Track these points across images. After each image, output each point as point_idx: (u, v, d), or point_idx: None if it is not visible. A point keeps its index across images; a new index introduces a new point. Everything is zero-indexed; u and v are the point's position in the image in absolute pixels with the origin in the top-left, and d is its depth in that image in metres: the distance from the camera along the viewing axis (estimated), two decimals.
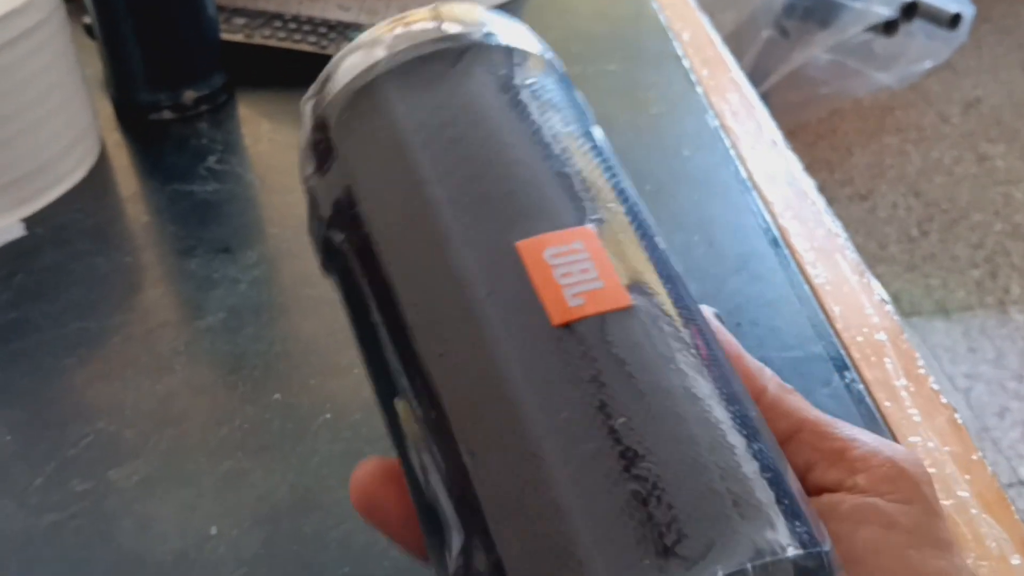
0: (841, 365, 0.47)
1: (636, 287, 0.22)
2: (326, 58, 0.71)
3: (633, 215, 0.25)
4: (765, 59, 1.61)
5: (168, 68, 0.68)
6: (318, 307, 0.52)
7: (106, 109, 0.70)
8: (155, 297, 0.54)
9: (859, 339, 0.48)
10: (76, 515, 0.42)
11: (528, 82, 0.26)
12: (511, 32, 0.28)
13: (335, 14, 0.79)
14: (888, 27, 1.56)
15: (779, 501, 0.20)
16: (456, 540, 0.21)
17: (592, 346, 0.21)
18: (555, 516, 0.19)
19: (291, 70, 0.73)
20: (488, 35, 0.27)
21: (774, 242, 0.55)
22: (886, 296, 0.51)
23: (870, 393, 0.45)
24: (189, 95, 0.68)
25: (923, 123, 2.11)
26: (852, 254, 0.54)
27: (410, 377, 0.23)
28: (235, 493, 0.42)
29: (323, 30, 0.74)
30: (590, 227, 0.23)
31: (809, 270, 0.53)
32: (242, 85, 0.72)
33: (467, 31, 0.27)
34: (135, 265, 0.56)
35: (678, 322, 0.23)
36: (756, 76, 0.64)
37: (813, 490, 0.25)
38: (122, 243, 0.58)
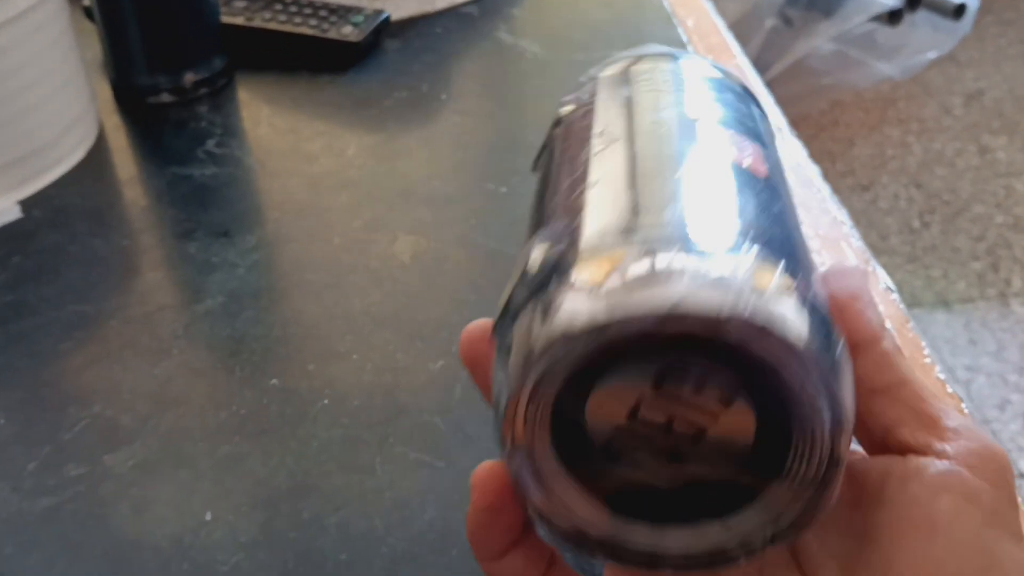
0: None
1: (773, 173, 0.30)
2: (327, 41, 0.71)
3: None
4: (768, 49, 1.60)
5: (168, 51, 0.68)
6: (318, 292, 0.52)
7: (105, 92, 0.69)
8: (154, 280, 0.53)
9: None
10: (71, 499, 0.41)
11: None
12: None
13: None
14: (892, 17, 1.55)
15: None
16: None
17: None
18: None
19: (291, 54, 0.72)
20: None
21: None
22: (892, 285, 0.51)
23: None
24: (189, 78, 0.68)
25: (925, 115, 2.11)
26: (857, 242, 0.53)
27: None
28: (233, 478, 0.42)
29: (324, 13, 0.73)
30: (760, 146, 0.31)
31: (814, 258, 0.52)
32: (242, 68, 0.71)
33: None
34: (133, 248, 0.56)
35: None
36: (759, 66, 0.64)
37: (899, 448, 0.25)
38: (120, 226, 0.57)
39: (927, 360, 0.46)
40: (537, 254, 0.25)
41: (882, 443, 0.26)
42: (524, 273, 0.25)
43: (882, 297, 0.50)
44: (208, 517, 0.40)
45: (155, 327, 0.50)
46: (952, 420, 0.25)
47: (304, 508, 0.41)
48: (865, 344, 0.26)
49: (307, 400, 0.46)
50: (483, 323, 0.28)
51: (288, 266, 0.54)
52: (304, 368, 0.47)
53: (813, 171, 0.59)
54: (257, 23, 0.72)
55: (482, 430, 0.43)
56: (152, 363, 0.48)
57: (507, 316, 0.25)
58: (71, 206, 0.59)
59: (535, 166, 0.35)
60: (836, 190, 0.59)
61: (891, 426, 0.25)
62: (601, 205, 0.26)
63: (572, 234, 0.25)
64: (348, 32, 0.71)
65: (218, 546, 0.39)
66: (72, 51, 0.63)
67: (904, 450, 0.25)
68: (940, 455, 0.24)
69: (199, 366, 0.48)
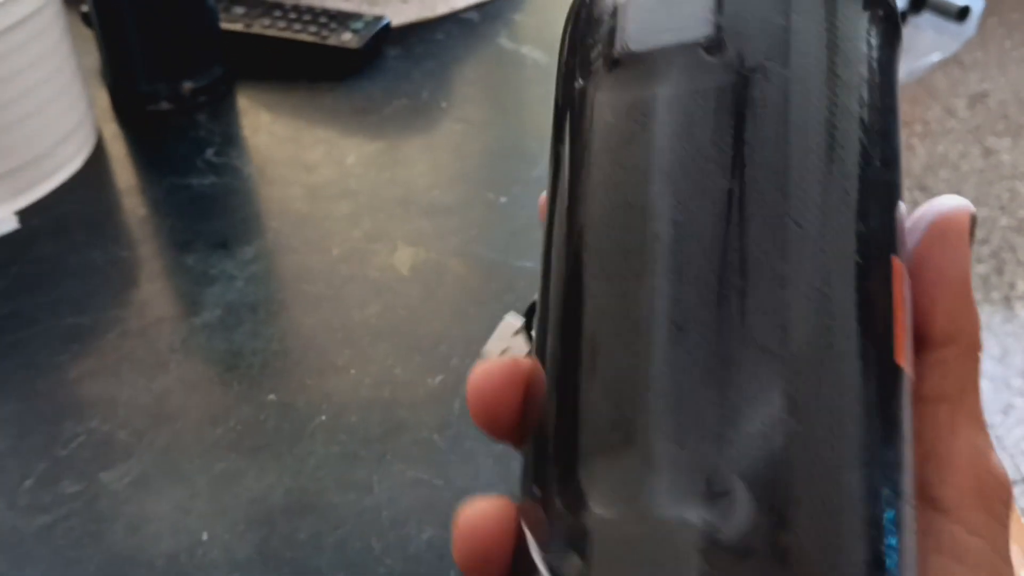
0: None
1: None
2: (327, 48, 0.70)
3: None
4: None
5: (166, 58, 0.67)
6: (316, 303, 0.52)
7: (103, 99, 0.69)
8: (152, 292, 0.53)
9: None
10: (67, 516, 0.41)
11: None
12: None
13: (335, 3, 0.78)
14: None
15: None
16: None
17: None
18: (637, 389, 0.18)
19: (291, 61, 0.72)
20: None
21: None
22: None
23: None
24: (187, 86, 0.67)
25: (929, 117, 2.10)
26: None
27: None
28: (229, 495, 0.42)
29: (323, 20, 0.73)
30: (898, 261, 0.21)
31: None
32: (241, 76, 0.71)
33: None
34: (132, 259, 0.55)
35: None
36: None
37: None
38: (119, 236, 0.57)
39: None
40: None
41: (940, 496, 0.23)
42: None
43: None
44: (204, 536, 0.40)
45: (152, 340, 0.49)
46: (958, 453, 0.22)
47: (301, 527, 0.40)
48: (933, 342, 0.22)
49: (304, 416, 0.45)
50: (492, 367, 0.23)
51: (287, 277, 0.54)
52: (302, 382, 0.47)
53: None
54: (256, 30, 0.72)
55: (480, 447, 0.43)
56: (149, 377, 0.47)
57: None
58: (69, 216, 0.59)
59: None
60: None
61: (948, 468, 0.22)
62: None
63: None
64: (348, 39, 0.71)
65: (214, 565, 0.39)
66: (70, 58, 0.62)
67: (952, 516, 0.23)
68: (938, 505, 0.21)
69: (196, 380, 0.47)
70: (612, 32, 0.22)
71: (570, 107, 0.23)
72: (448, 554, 0.39)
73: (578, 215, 0.21)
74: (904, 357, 0.20)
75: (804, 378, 0.18)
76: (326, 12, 0.73)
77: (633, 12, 0.22)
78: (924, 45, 1.65)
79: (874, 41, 0.22)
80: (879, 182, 0.20)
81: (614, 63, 0.22)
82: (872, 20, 0.22)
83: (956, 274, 0.22)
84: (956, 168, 1.97)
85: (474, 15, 0.79)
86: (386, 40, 0.74)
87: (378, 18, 0.73)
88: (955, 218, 0.22)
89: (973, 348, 0.22)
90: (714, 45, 0.20)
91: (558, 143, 0.23)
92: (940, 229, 0.22)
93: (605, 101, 0.21)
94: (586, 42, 0.23)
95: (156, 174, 0.62)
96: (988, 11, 1.92)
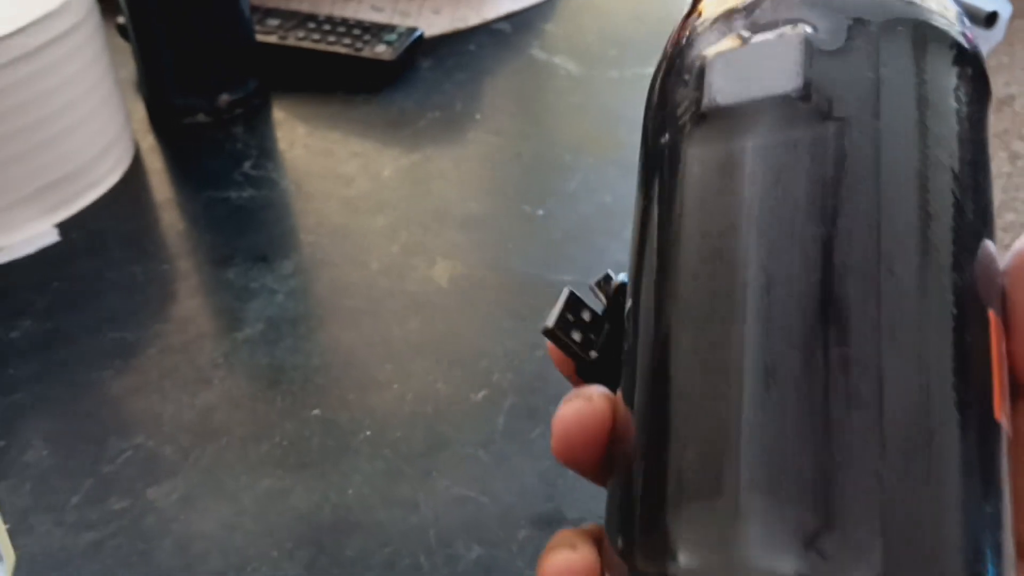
0: None
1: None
2: (361, 60, 0.70)
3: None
4: None
5: (202, 70, 0.68)
6: (356, 318, 0.52)
7: (139, 111, 0.69)
8: (192, 307, 0.53)
9: None
10: (115, 534, 0.41)
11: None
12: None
13: (368, 15, 0.78)
14: None
15: None
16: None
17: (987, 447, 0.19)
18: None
19: (325, 73, 0.72)
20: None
21: None
22: None
23: None
24: (224, 99, 0.68)
25: None
26: None
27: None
28: (275, 513, 0.42)
29: (357, 32, 0.73)
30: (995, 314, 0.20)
31: None
32: (276, 88, 0.71)
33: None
34: (171, 273, 0.55)
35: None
36: None
37: None
38: (158, 251, 0.57)
39: None
40: None
41: None
42: None
43: None
44: (252, 554, 0.40)
45: (194, 356, 0.50)
46: None
47: (348, 545, 0.40)
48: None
49: (348, 431, 0.45)
50: (582, 410, 0.22)
51: (326, 292, 0.54)
52: (344, 398, 0.47)
53: None
54: (291, 42, 0.72)
55: (525, 463, 0.43)
56: (192, 393, 0.48)
57: None
58: (108, 230, 0.59)
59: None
60: None
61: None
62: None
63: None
64: (382, 51, 0.71)
65: None
66: (108, 72, 0.63)
67: None
68: None
69: (239, 396, 0.47)
70: (700, 86, 0.22)
71: (659, 160, 0.22)
72: (495, 571, 0.39)
73: (668, 266, 0.21)
74: (1003, 411, 0.19)
75: (901, 434, 0.17)
76: (360, 24, 0.73)
77: (721, 66, 0.22)
78: None
79: (963, 96, 0.21)
80: (972, 234, 0.20)
81: (703, 116, 0.21)
82: (961, 76, 0.21)
83: None
84: None
85: (505, 26, 0.80)
86: (419, 52, 0.75)
87: (411, 30, 0.73)
88: None
89: None
90: (804, 97, 0.20)
91: (646, 196, 0.23)
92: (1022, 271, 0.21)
93: (694, 154, 0.21)
94: (674, 96, 0.23)
95: (194, 187, 0.62)
96: (1016, 14, 1.90)
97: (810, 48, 0.21)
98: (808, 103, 0.20)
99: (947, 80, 0.21)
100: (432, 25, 0.78)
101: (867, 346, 0.18)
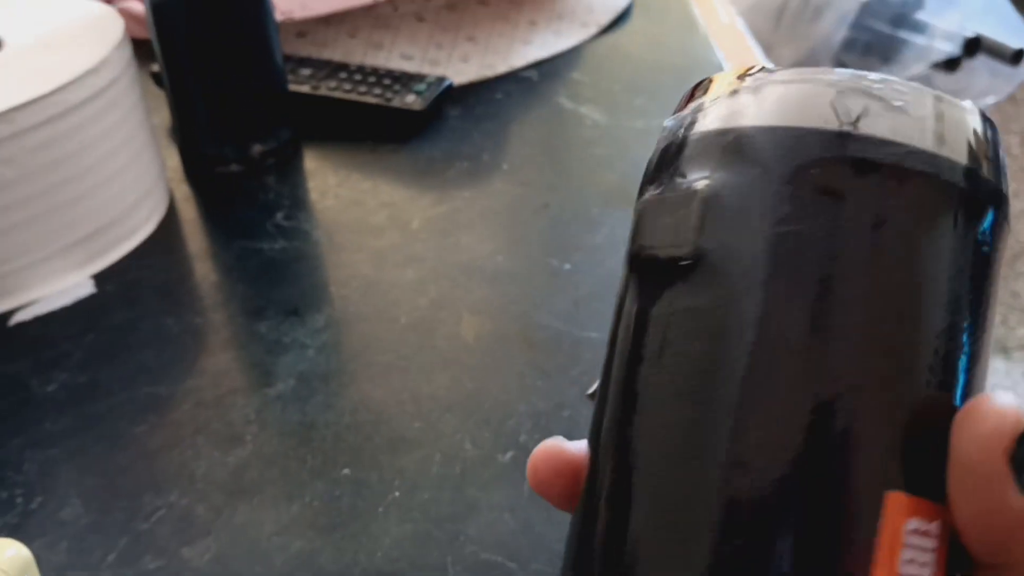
0: None
1: None
2: (391, 110, 0.72)
3: None
4: None
5: (235, 120, 0.69)
6: (386, 374, 0.52)
7: (173, 159, 0.71)
8: (225, 361, 0.54)
9: None
10: None
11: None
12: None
13: (398, 63, 0.79)
14: (950, 64, 1.54)
15: None
16: None
17: None
18: None
19: (355, 122, 0.73)
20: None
21: None
22: None
23: None
24: (257, 148, 0.69)
25: None
26: None
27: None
28: (307, 575, 0.42)
29: (387, 81, 0.74)
30: (942, 508, 0.19)
31: None
32: (308, 138, 0.72)
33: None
34: (205, 327, 0.56)
35: None
36: None
37: None
38: (192, 303, 0.58)
39: None
40: None
41: None
42: None
43: None
44: None
45: (227, 411, 0.51)
46: None
47: None
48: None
49: (377, 492, 0.46)
50: (551, 452, 0.25)
51: (356, 347, 0.55)
52: (375, 457, 0.48)
53: None
54: (323, 92, 0.73)
55: (551, 530, 0.44)
56: (225, 450, 0.48)
57: None
58: (143, 281, 0.60)
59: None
60: None
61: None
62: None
63: None
64: (411, 101, 0.72)
65: None
66: (144, 123, 0.64)
67: None
68: None
69: (271, 454, 0.48)
70: (633, 233, 0.23)
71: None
72: None
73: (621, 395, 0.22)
74: None
75: None
76: (391, 74, 0.75)
77: (643, 216, 0.23)
78: (978, 88, 1.64)
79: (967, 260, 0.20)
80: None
81: (630, 262, 0.23)
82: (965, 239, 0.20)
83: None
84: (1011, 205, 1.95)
85: (533, 74, 0.81)
86: (447, 100, 0.76)
87: (440, 79, 0.74)
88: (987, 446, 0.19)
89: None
90: (692, 261, 0.21)
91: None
92: (967, 460, 0.19)
93: (626, 299, 0.23)
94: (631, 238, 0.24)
95: (227, 238, 0.63)
96: None
97: (707, 207, 0.21)
98: (694, 269, 0.20)
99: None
100: (460, 73, 0.79)
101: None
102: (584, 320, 0.55)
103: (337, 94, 0.73)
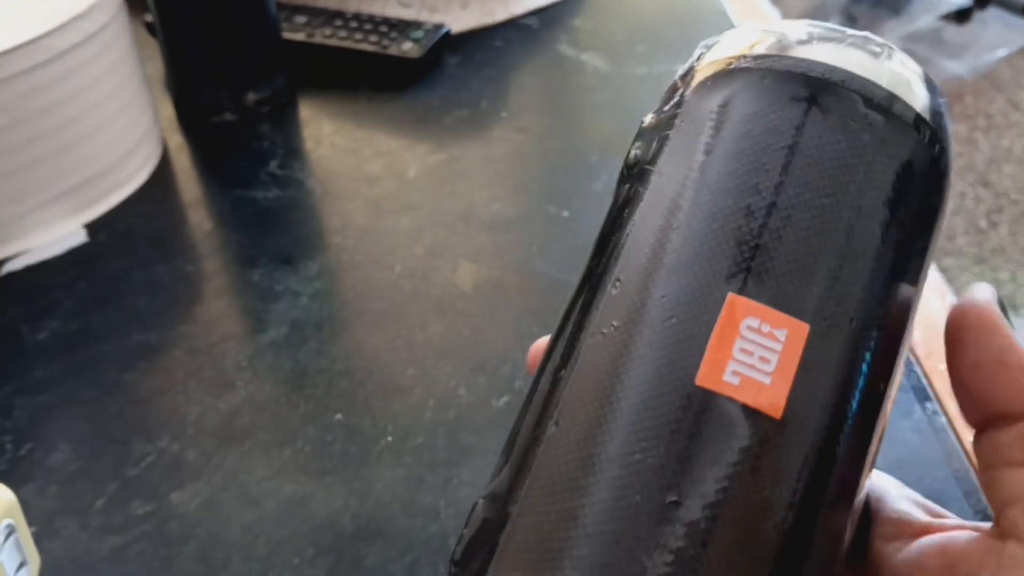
0: (923, 396, 0.45)
1: (801, 409, 0.21)
2: (387, 58, 0.70)
3: (882, 343, 0.22)
4: None
5: (230, 69, 0.68)
6: (380, 322, 0.52)
7: (167, 109, 0.70)
8: (217, 309, 0.53)
9: (942, 368, 0.46)
10: (138, 539, 0.41)
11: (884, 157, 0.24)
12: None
13: (396, 11, 0.78)
14: (961, 15, 1.51)
15: None
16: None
17: (706, 422, 0.20)
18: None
19: (351, 70, 0.72)
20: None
21: None
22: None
23: (953, 427, 0.44)
24: (251, 97, 0.68)
25: (992, 110, 2.05)
26: (935, 273, 0.52)
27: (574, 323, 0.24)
28: (297, 519, 0.42)
29: (384, 29, 0.73)
30: (811, 327, 0.21)
31: None
32: (303, 86, 0.71)
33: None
34: (197, 274, 0.56)
35: (811, 466, 0.21)
36: None
37: (1010, 532, 0.23)
38: (185, 251, 0.57)
39: None
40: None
41: (1000, 524, 0.24)
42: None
43: None
44: (274, 560, 0.40)
45: (219, 358, 0.50)
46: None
47: (369, 553, 0.40)
48: (1014, 415, 0.24)
49: (370, 437, 0.45)
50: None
51: (350, 294, 0.54)
52: (367, 403, 0.47)
53: None
54: (318, 40, 0.72)
55: None
56: (217, 396, 0.48)
57: None
58: (136, 229, 0.59)
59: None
60: None
61: (1009, 502, 0.24)
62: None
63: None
64: (408, 48, 0.71)
65: None
66: (136, 71, 0.63)
67: (1008, 534, 0.24)
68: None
69: (263, 400, 0.48)
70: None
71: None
72: None
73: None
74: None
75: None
76: (387, 21, 0.73)
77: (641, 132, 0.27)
78: (990, 40, 1.62)
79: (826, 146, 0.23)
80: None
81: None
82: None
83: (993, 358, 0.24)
84: (1020, 162, 1.93)
85: (533, 21, 0.79)
86: (446, 48, 0.74)
87: (438, 26, 0.73)
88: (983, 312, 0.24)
89: None
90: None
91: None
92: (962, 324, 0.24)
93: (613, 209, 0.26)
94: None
95: (221, 186, 0.63)
96: None
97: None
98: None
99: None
100: (459, 20, 0.77)
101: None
102: (581, 267, 0.54)
103: (332, 42, 0.72)
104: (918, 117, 0.24)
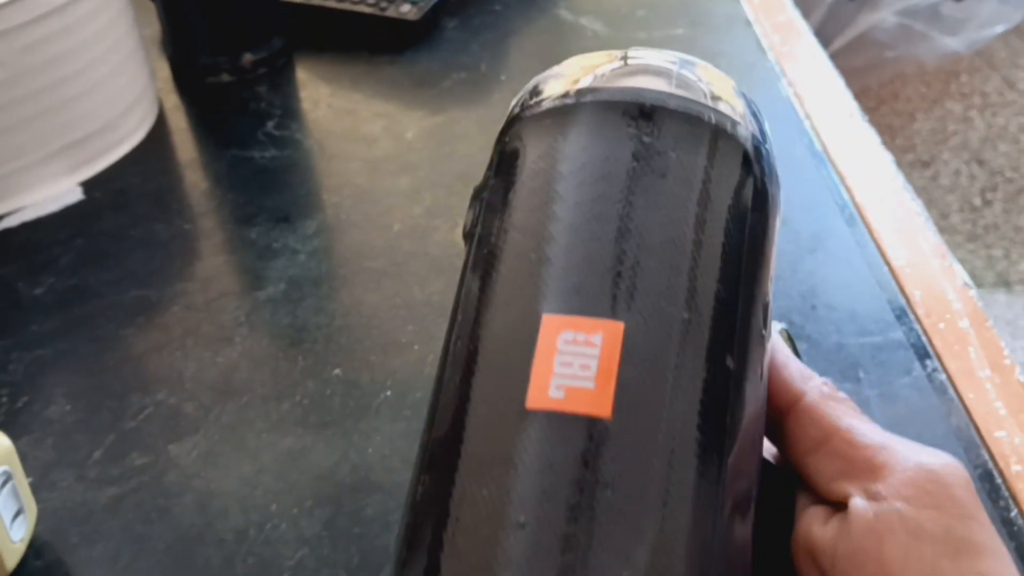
0: (923, 353, 0.45)
1: (631, 402, 0.21)
2: (385, 20, 0.70)
3: (706, 323, 0.23)
4: (830, 21, 1.56)
5: (226, 29, 0.67)
6: (379, 279, 0.51)
7: (164, 70, 0.69)
8: (215, 266, 0.53)
9: (941, 326, 0.46)
10: (136, 490, 0.41)
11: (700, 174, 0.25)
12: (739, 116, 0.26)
13: None
14: None
15: None
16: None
17: (541, 440, 0.21)
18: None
19: (350, 33, 0.71)
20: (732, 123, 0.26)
21: (851, 220, 0.53)
22: (969, 280, 0.49)
23: (953, 384, 0.44)
24: (248, 58, 0.67)
25: (988, 89, 2.05)
26: (934, 235, 0.52)
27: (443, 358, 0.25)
28: (296, 471, 0.42)
29: None
30: (625, 323, 0.22)
31: (888, 251, 0.51)
32: (300, 48, 0.71)
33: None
34: (195, 232, 0.55)
35: (654, 451, 0.21)
36: (821, 39, 0.62)
37: (839, 499, 0.24)
38: (182, 209, 0.57)
39: (1007, 362, 0.45)
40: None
41: (828, 503, 0.25)
42: None
43: (959, 294, 0.48)
44: (272, 510, 0.40)
45: (217, 314, 0.50)
46: (885, 454, 0.24)
47: (368, 504, 0.40)
48: (787, 407, 0.25)
49: (369, 392, 0.45)
50: None
51: (348, 253, 0.54)
52: (366, 359, 0.47)
53: (887, 158, 0.58)
54: (315, 1, 0.71)
55: None
56: (214, 351, 0.48)
57: None
58: (132, 188, 0.59)
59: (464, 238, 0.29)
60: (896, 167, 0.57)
61: (827, 481, 0.24)
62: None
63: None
64: (406, 10, 0.70)
65: (283, 540, 0.39)
66: (132, 29, 0.63)
67: (844, 501, 0.24)
68: (875, 497, 0.23)
69: (261, 355, 0.47)
70: None
71: None
72: None
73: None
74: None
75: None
76: None
77: None
78: (987, 15, 1.61)
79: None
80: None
81: None
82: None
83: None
84: (1016, 141, 1.93)
85: None
86: (444, 11, 0.74)
87: None
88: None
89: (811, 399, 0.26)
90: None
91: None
92: None
93: None
94: None
95: (217, 147, 0.62)
96: None
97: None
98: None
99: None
100: None
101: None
102: None
103: (330, 3, 0.71)
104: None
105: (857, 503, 0.23)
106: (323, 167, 0.60)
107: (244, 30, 0.68)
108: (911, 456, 0.24)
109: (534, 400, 0.21)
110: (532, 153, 0.25)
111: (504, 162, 0.26)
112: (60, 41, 0.56)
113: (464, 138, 0.62)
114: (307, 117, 0.65)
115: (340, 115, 0.65)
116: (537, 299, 0.23)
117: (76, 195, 0.58)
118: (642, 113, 0.25)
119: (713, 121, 0.25)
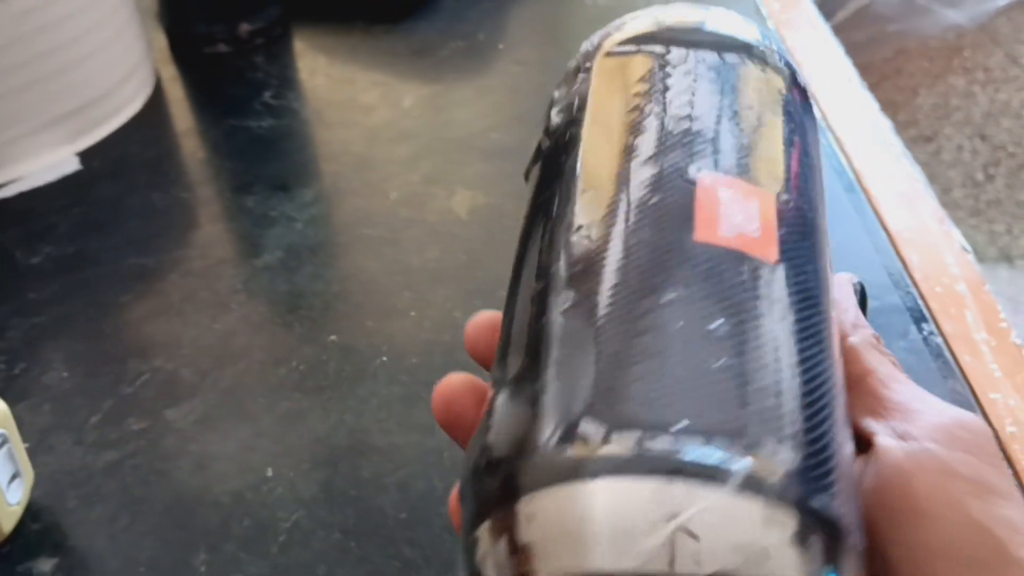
0: (919, 317, 0.45)
1: (789, 257, 0.22)
2: None
3: (823, 216, 0.25)
4: None
5: None
6: (376, 247, 0.51)
7: (160, 41, 0.69)
8: (213, 234, 0.53)
9: (938, 290, 0.46)
10: (133, 454, 0.41)
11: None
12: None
13: None
14: None
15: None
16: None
17: (718, 262, 0.21)
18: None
19: (347, 2, 0.71)
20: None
21: (849, 186, 0.53)
22: (967, 245, 0.49)
23: (949, 347, 0.43)
24: (244, 28, 0.67)
25: (991, 64, 2.04)
26: (932, 201, 0.52)
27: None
28: (293, 434, 0.42)
29: None
30: (775, 197, 0.23)
31: (886, 216, 0.50)
32: (297, 17, 0.70)
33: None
34: (192, 201, 0.55)
35: (804, 299, 0.22)
36: (823, 13, 0.61)
37: (867, 437, 0.24)
38: (179, 178, 0.57)
39: (1003, 325, 0.45)
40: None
41: (858, 441, 0.25)
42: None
43: (957, 258, 0.48)
44: (269, 474, 0.40)
45: (214, 281, 0.50)
46: (919, 402, 0.24)
47: (363, 466, 0.40)
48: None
49: (366, 357, 0.45)
50: (458, 378, 0.27)
51: (346, 220, 0.54)
52: (363, 324, 0.47)
53: (886, 125, 0.57)
54: None
55: None
56: (212, 317, 0.48)
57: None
58: (130, 157, 0.59)
59: (527, 176, 0.29)
60: None
61: (858, 419, 0.25)
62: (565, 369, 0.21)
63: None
64: None
65: (279, 503, 0.39)
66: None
67: (866, 441, 0.24)
68: (905, 437, 0.23)
69: (258, 321, 0.47)
70: None
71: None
72: None
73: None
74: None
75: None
76: None
77: None
78: None
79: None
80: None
81: None
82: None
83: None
84: (1018, 117, 1.92)
85: None
86: None
87: None
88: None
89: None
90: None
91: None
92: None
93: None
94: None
95: (214, 116, 0.62)
96: None
97: None
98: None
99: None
100: None
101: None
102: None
103: None
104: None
105: (886, 441, 0.24)
106: (320, 136, 0.60)
107: (240, 0, 0.67)
108: (942, 407, 0.24)
109: (702, 234, 0.21)
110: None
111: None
112: (54, 9, 0.56)
113: (462, 106, 0.62)
114: (304, 86, 0.65)
115: (337, 84, 0.65)
116: (689, 159, 0.23)
117: (73, 164, 0.58)
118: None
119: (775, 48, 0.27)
